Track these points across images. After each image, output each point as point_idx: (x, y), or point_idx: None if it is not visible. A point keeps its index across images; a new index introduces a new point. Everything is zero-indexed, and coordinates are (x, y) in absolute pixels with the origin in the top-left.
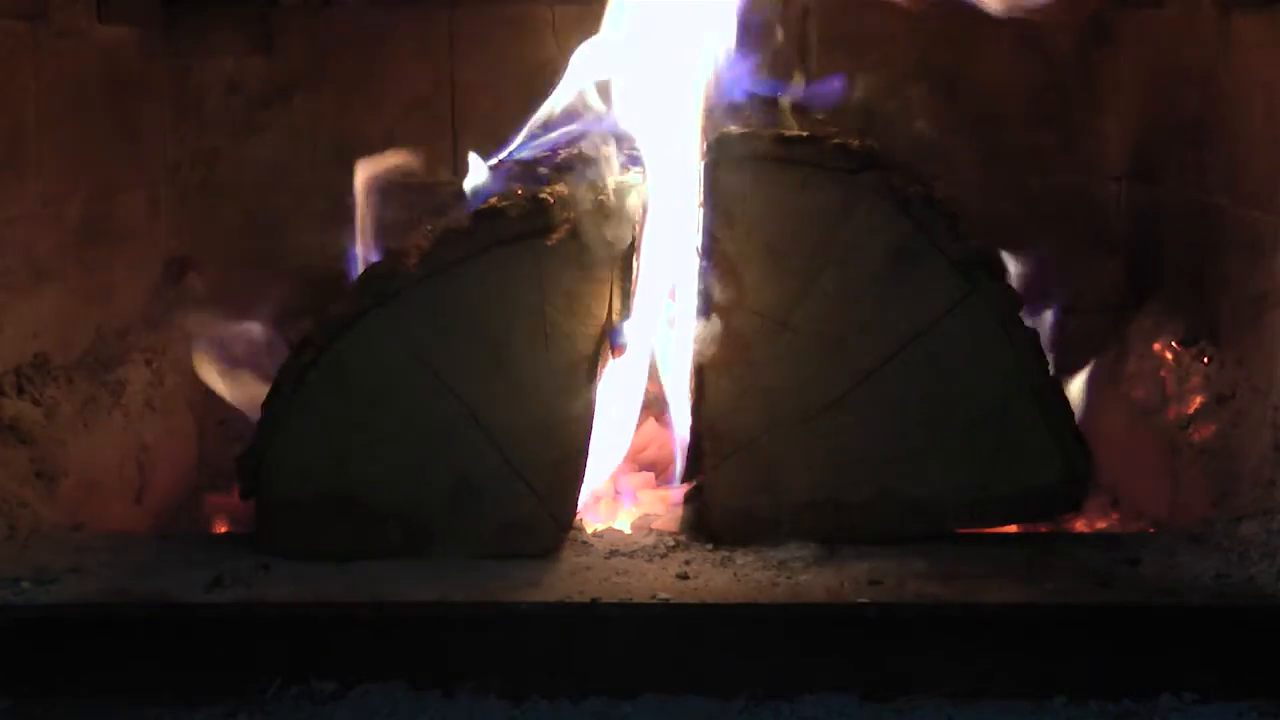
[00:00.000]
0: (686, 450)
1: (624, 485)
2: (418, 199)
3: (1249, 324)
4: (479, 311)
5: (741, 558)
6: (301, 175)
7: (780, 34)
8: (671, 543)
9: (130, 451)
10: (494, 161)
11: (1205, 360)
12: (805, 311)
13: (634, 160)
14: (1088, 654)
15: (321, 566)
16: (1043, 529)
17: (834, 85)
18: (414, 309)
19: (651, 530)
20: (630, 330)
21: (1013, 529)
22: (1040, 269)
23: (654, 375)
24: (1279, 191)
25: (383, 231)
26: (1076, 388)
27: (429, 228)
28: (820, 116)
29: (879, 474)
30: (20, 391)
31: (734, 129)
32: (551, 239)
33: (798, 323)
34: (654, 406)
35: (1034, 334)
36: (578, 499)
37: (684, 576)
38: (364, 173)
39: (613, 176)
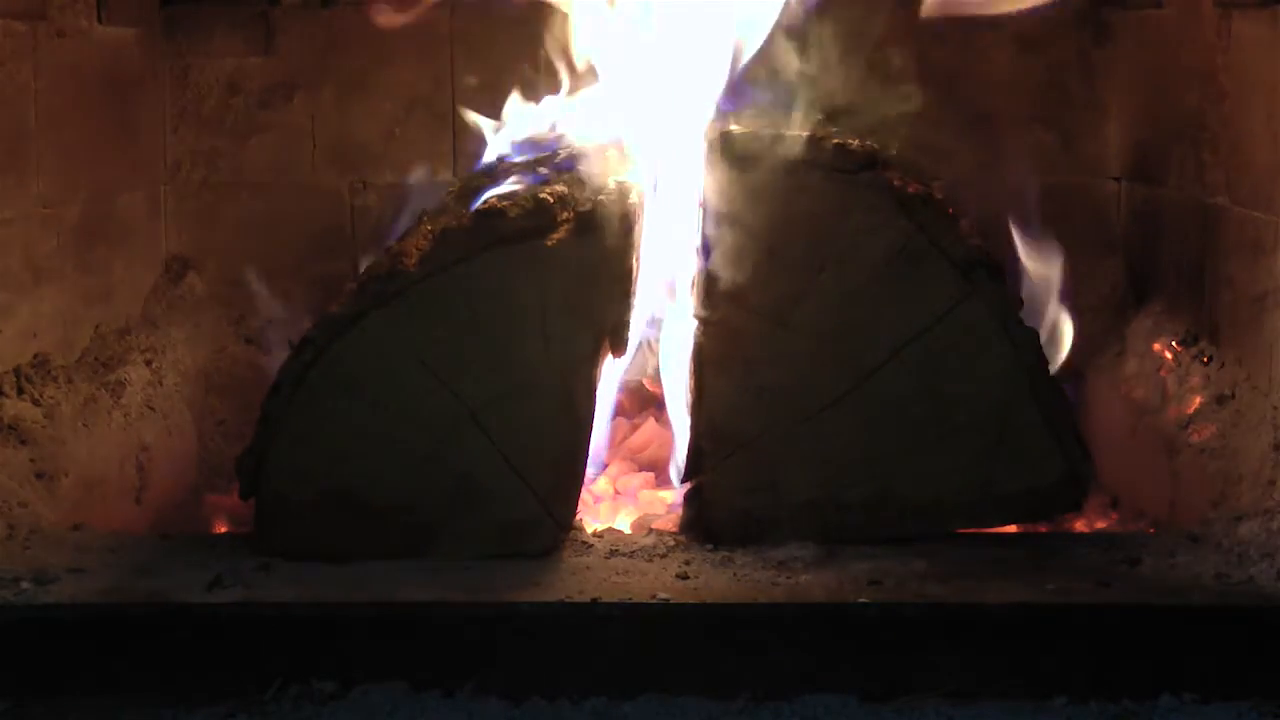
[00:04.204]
0: (686, 450)
1: (624, 485)
2: (418, 199)
3: (1249, 324)
4: (479, 311)
5: (741, 558)
6: (301, 175)
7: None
8: (671, 543)
9: (130, 451)
10: (494, 162)
11: (1205, 360)
12: (805, 311)
13: (634, 160)
14: (1088, 654)
15: (321, 566)
16: (1043, 529)
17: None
18: (414, 309)
19: (651, 530)
20: (630, 330)
21: (1013, 529)
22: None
23: (654, 375)
24: (1279, 191)
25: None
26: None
27: (429, 228)
28: (820, 116)
29: (879, 474)
30: (20, 391)
31: (734, 129)
32: (551, 239)
33: (798, 323)
34: (654, 406)
35: (1034, 334)
36: (578, 499)
37: (684, 576)
38: None
39: (613, 176)
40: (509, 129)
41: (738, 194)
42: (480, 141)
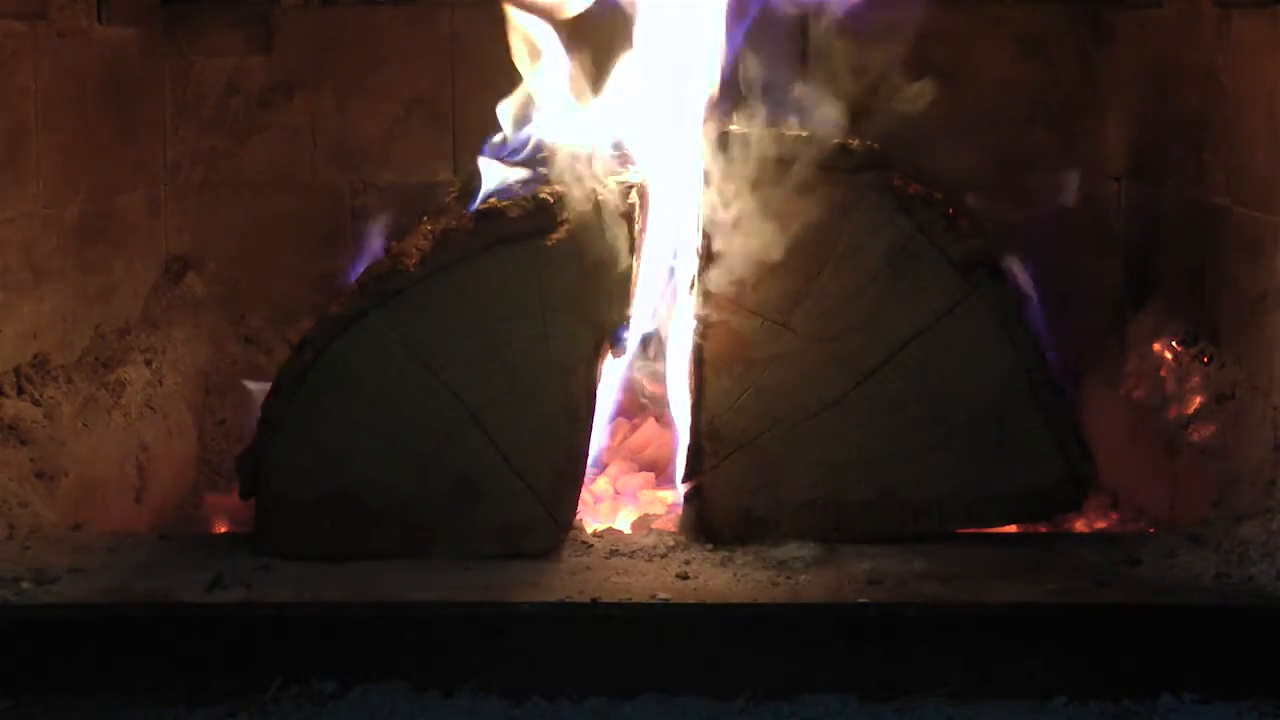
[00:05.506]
0: (686, 450)
1: (624, 485)
2: (418, 199)
3: (1249, 324)
4: (479, 312)
5: (741, 558)
6: (301, 175)
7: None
8: (671, 543)
9: (130, 451)
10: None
11: (1205, 360)
12: (805, 311)
13: (633, 160)
14: (1088, 654)
15: (321, 566)
16: (1043, 529)
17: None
18: (414, 309)
19: (651, 530)
20: (630, 330)
21: (1013, 529)
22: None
23: (654, 375)
24: (1279, 191)
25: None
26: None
27: (429, 228)
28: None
29: (879, 474)
30: (20, 391)
31: (734, 128)
32: (551, 239)
33: (798, 323)
34: (654, 406)
35: (1034, 334)
36: (578, 498)
37: (684, 576)
38: None
39: (613, 176)
40: (510, 129)
41: (738, 194)
42: (481, 142)
